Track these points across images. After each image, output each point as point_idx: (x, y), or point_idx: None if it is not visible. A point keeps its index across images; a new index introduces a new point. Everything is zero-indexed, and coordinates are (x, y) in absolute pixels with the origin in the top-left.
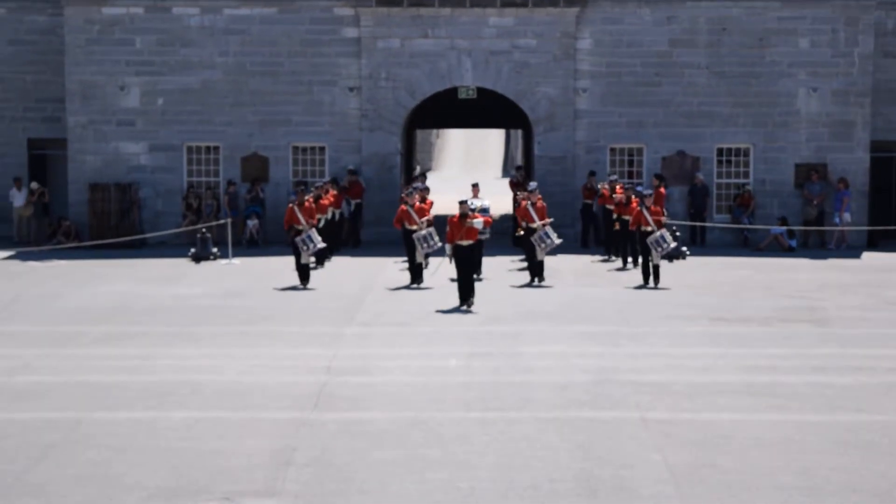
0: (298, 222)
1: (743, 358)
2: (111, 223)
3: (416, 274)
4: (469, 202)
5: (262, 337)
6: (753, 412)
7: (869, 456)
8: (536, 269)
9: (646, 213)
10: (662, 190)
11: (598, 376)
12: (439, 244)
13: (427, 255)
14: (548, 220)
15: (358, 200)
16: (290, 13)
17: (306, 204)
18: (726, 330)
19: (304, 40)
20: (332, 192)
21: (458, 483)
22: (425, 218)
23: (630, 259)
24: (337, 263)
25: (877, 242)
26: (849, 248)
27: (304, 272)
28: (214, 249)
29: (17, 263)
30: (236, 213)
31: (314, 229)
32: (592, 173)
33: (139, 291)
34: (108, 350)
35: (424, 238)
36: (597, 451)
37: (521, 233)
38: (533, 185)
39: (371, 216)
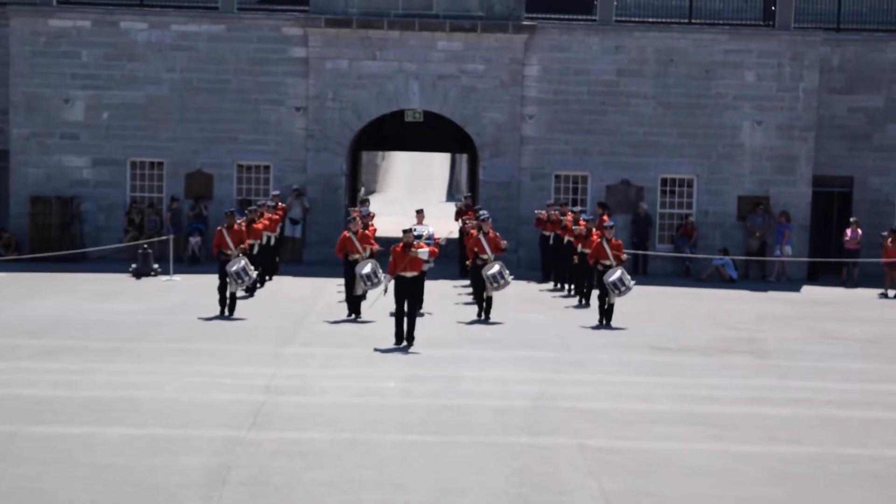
0: (227, 247)
1: (682, 387)
2: (52, 236)
3: (354, 306)
4: (413, 229)
5: (202, 354)
6: (691, 441)
7: (805, 487)
8: (486, 306)
9: (606, 246)
10: (606, 218)
11: (537, 402)
12: (383, 282)
13: (365, 291)
14: (503, 247)
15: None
16: (239, 31)
17: (235, 227)
18: (666, 359)
19: (251, 59)
20: (267, 215)
21: None
22: (369, 248)
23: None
24: (278, 283)
25: (817, 275)
26: (789, 281)
27: (229, 300)
28: (156, 266)
29: None
30: (178, 229)
31: (245, 258)
32: (550, 204)
33: (79, 306)
34: (45, 364)
35: (368, 277)
36: (534, 476)
37: (468, 264)
38: (484, 214)
39: (315, 237)
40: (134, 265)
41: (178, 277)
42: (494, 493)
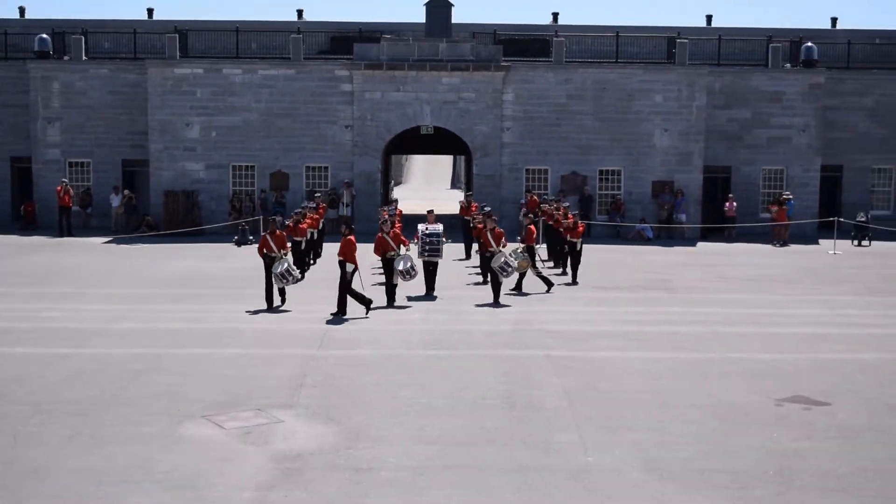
0: (271, 250)
1: (616, 314)
2: (179, 218)
3: (392, 295)
4: (425, 227)
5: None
6: (623, 351)
7: (702, 381)
8: (495, 290)
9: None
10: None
11: (516, 326)
12: (417, 273)
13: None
14: (505, 245)
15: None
16: (305, 74)
17: (277, 233)
18: (605, 295)
19: (313, 92)
20: (310, 215)
21: (420, 399)
22: (404, 245)
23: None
24: (333, 249)
25: (707, 235)
26: (688, 240)
27: (279, 294)
28: (251, 237)
29: (113, 246)
30: (266, 211)
31: (290, 257)
32: (551, 200)
33: (198, 266)
34: (176, 306)
35: (407, 271)
36: (515, 377)
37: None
38: (488, 210)
39: (360, 215)
40: (236, 237)
41: None
42: (489, 389)
